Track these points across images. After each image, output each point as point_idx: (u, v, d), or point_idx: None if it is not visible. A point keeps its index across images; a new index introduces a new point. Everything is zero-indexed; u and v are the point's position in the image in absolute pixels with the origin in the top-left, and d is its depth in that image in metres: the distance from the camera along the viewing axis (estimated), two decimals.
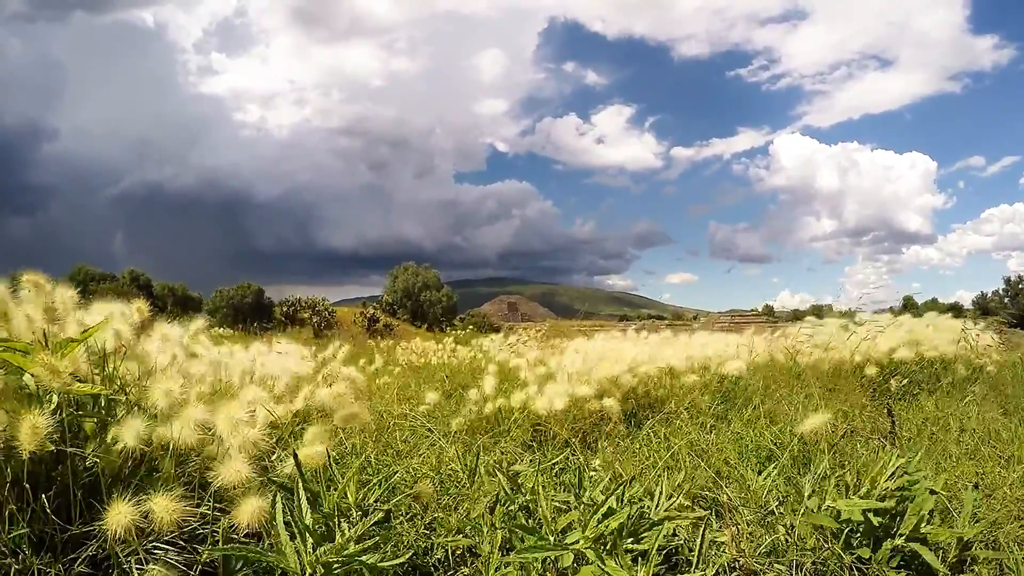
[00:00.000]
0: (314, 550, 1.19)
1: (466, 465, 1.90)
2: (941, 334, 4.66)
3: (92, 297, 1.74)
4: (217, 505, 1.31)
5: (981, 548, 1.57)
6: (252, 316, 26.01)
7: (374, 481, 1.62)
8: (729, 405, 3.30)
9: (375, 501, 1.52)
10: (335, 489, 1.42)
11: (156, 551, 1.24)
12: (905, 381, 3.94)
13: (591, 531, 1.40)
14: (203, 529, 1.32)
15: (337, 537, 1.25)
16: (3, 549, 1.21)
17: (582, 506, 1.53)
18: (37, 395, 1.36)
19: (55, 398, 1.33)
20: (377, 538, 1.35)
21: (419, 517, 1.69)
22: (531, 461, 2.07)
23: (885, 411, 2.71)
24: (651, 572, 1.29)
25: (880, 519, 1.53)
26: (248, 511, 1.18)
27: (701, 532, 1.45)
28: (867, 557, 1.50)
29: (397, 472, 1.91)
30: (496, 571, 1.42)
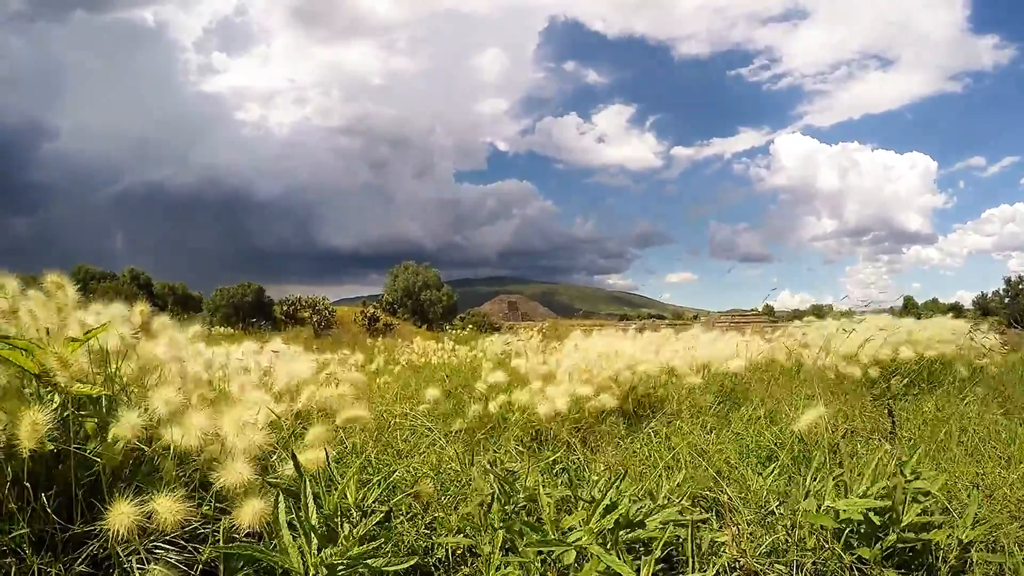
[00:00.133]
0: (319, 551, 1.19)
1: (465, 464, 1.90)
2: (941, 334, 4.66)
3: (92, 296, 1.74)
4: (218, 505, 1.31)
5: (981, 548, 1.57)
6: (252, 315, 26.00)
7: (374, 481, 1.62)
8: (730, 405, 3.30)
9: (375, 501, 1.52)
10: (335, 489, 1.41)
11: (157, 551, 1.24)
12: (906, 381, 3.94)
13: (595, 524, 1.40)
14: (204, 529, 1.32)
15: (341, 538, 1.25)
16: (3, 548, 1.21)
17: (582, 503, 1.54)
18: (37, 392, 1.36)
19: (56, 397, 1.33)
20: (380, 540, 1.35)
21: (419, 517, 1.69)
22: (531, 460, 2.07)
23: (885, 411, 2.71)
24: (651, 572, 1.29)
25: (880, 518, 1.53)
26: (250, 513, 1.18)
27: (690, 532, 1.46)
28: (867, 557, 1.50)
29: (397, 472, 1.91)
30: (497, 571, 1.42)
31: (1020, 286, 35.25)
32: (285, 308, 26.42)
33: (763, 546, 1.56)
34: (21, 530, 1.22)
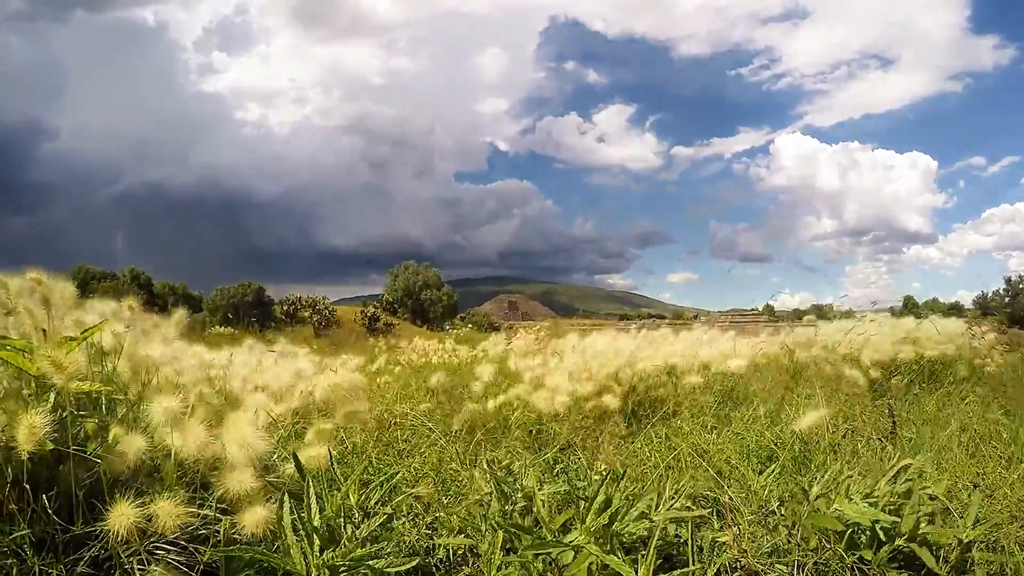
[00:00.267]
0: (321, 553, 1.18)
1: (466, 464, 1.90)
2: (941, 334, 4.65)
3: (92, 296, 1.74)
4: (219, 506, 1.31)
5: (982, 548, 1.57)
6: (252, 315, 26.00)
7: (376, 482, 1.62)
8: (730, 405, 3.29)
9: (377, 503, 1.52)
10: (337, 490, 1.41)
11: (157, 552, 1.24)
12: (906, 381, 3.94)
13: (592, 523, 1.40)
14: (205, 529, 1.32)
15: (343, 539, 1.25)
16: (4, 550, 1.21)
17: (579, 502, 1.53)
18: (36, 393, 1.35)
19: (53, 397, 1.33)
20: (383, 543, 1.35)
21: (420, 517, 1.68)
22: (531, 460, 2.07)
23: (886, 411, 2.71)
24: (650, 571, 1.29)
25: (887, 525, 1.53)
26: (253, 520, 1.17)
27: (690, 531, 1.46)
28: (870, 559, 1.49)
29: (399, 472, 1.91)
30: (497, 571, 1.42)
31: (1020, 286, 35.21)
32: (285, 308, 26.43)
33: (765, 546, 1.56)
34: (22, 531, 1.21)
